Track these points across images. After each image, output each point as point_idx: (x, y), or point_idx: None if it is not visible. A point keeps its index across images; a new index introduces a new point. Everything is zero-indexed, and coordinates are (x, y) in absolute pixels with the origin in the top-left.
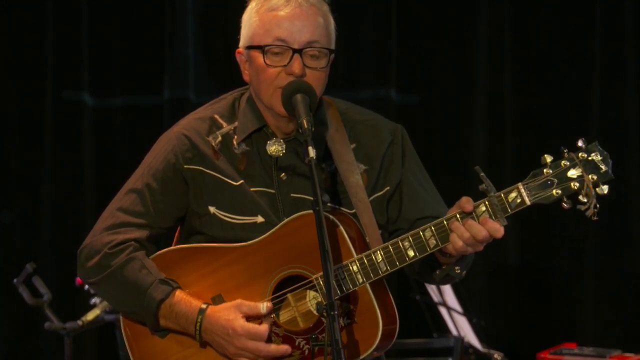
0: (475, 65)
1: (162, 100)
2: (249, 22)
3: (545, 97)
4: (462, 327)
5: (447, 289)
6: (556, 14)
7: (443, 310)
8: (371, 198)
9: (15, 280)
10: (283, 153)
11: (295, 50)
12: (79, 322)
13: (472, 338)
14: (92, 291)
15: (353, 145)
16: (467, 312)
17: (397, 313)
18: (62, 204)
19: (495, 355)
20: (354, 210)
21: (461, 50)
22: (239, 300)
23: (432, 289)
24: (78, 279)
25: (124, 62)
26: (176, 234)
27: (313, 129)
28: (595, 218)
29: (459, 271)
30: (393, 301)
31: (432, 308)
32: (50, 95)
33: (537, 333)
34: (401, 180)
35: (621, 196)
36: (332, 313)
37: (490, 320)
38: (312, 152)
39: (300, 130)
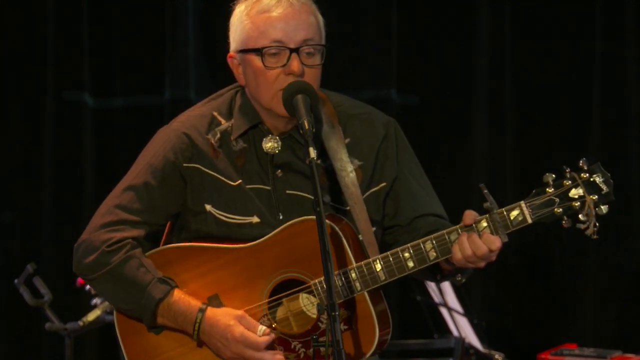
0: (476, 66)
1: (163, 101)
2: (240, 25)
3: (546, 97)
4: (462, 327)
5: (448, 290)
6: (556, 13)
7: (444, 311)
8: (367, 194)
9: (15, 281)
10: (279, 150)
11: (292, 50)
12: (80, 323)
13: (472, 339)
14: (92, 291)
15: (347, 140)
16: (468, 313)
17: (391, 320)
18: (62, 204)
19: (496, 356)
20: (348, 207)
21: (461, 50)
22: (242, 312)
23: (432, 289)
24: (79, 280)
25: (125, 62)
26: (166, 229)
27: (314, 129)
28: (596, 237)
29: (459, 278)
30: (387, 308)
31: (432, 309)
32: (51, 95)
33: (538, 334)
34: (397, 177)
35: (622, 196)
36: (333, 314)
37: (491, 321)
38: (312, 153)
39: (301, 131)
